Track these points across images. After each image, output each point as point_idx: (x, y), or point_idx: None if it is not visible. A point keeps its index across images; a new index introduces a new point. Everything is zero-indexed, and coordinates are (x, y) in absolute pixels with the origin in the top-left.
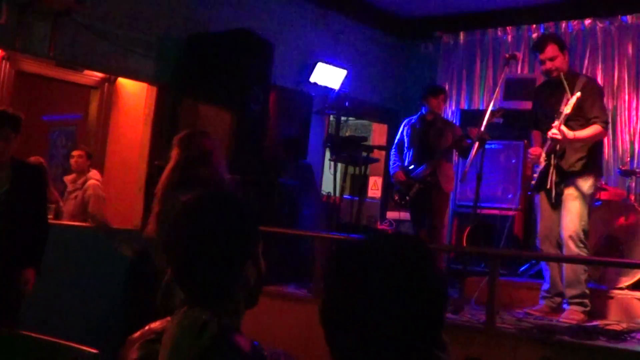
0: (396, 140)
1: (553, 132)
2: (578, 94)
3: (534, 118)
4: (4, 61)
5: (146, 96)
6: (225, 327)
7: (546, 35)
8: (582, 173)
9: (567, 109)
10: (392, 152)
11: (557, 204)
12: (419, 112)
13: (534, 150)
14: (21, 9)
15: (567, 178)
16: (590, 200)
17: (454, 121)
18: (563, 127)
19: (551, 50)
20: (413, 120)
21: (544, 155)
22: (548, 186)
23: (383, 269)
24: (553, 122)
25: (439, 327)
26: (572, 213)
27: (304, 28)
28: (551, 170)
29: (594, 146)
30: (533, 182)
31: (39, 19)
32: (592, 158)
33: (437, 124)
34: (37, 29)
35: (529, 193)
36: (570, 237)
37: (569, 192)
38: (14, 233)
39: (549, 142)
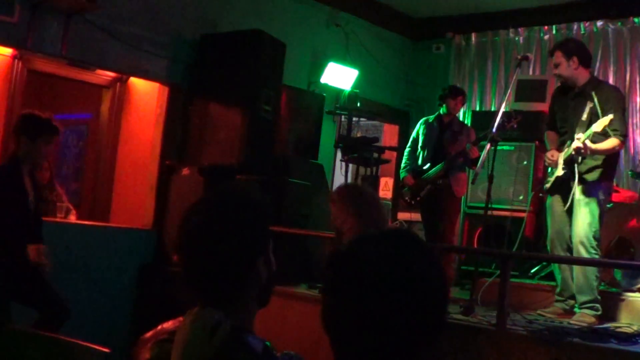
0: (411, 139)
1: (578, 145)
2: (611, 115)
3: (551, 119)
4: (16, 60)
5: (158, 96)
6: (238, 327)
7: (558, 42)
8: (595, 180)
9: (597, 127)
10: (406, 151)
11: (569, 208)
12: (437, 112)
13: (551, 155)
14: (34, 8)
15: (581, 184)
16: (602, 206)
17: (466, 122)
18: (587, 142)
19: (556, 56)
20: (430, 120)
21: (561, 162)
22: (572, 196)
23: (379, 268)
24: (572, 128)
25: (442, 325)
26: (583, 219)
27: (315, 28)
28: (575, 182)
29: (610, 155)
30: (547, 184)
31: (52, 18)
32: (607, 167)
33: (454, 127)
34: (49, 28)
35: (541, 195)
36: (581, 243)
37: (580, 198)
38: None
39: (567, 148)
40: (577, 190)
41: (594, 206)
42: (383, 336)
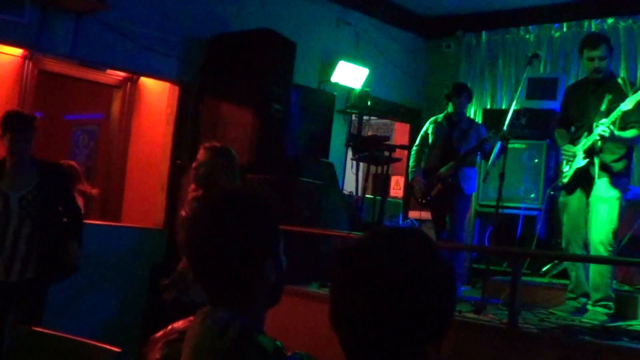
0: (419, 138)
1: (603, 129)
2: None
3: (564, 116)
4: (26, 60)
5: (168, 95)
6: (248, 326)
7: (600, 34)
8: (616, 174)
9: (626, 106)
10: (414, 150)
11: (586, 204)
12: (445, 111)
13: (569, 148)
14: (44, 9)
15: (605, 175)
16: (621, 202)
17: (477, 120)
18: (611, 126)
19: (603, 50)
20: (439, 119)
21: (581, 153)
22: (595, 182)
23: (385, 266)
24: (590, 119)
25: (449, 322)
26: (603, 216)
27: (325, 27)
28: (594, 169)
29: (630, 149)
30: (564, 179)
31: (62, 19)
32: (629, 160)
33: (462, 125)
34: (60, 28)
35: (552, 193)
36: (601, 242)
37: (599, 195)
38: (43, 232)
39: (585, 139)
40: (598, 185)
41: (614, 202)
42: (390, 333)
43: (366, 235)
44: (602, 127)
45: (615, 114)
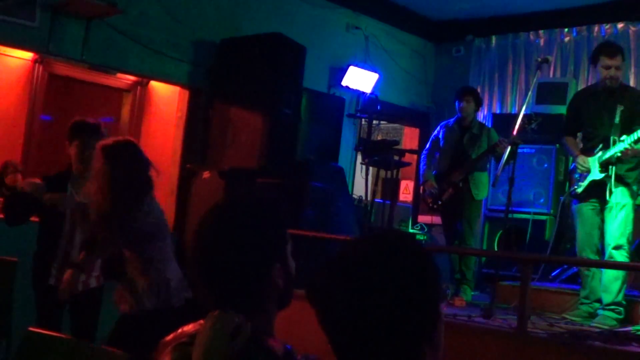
0: (429, 142)
1: (626, 147)
2: None
3: (572, 124)
4: (37, 64)
5: (179, 99)
6: (258, 330)
7: (615, 43)
8: (630, 183)
9: None
10: (424, 154)
11: (601, 211)
12: (457, 115)
13: (583, 161)
14: (54, 13)
15: (620, 185)
16: (635, 208)
17: (488, 124)
18: (633, 144)
19: (619, 59)
20: (450, 123)
21: (597, 165)
22: (608, 196)
23: (370, 270)
24: (604, 131)
25: (436, 319)
26: (620, 223)
27: (335, 32)
28: (611, 182)
29: None
30: (579, 189)
31: (72, 23)
32: None
33: (473, 130)
34: (70, 32)
35: (562, 199)
36: (616, 248)
37: (616, 202)
38: None
39: (600, 152)
40: (614, 192)
41: (630, 210)
42: (378, 334)
43: (351, 241)
44: (623, 145)
45: (636, 134)
